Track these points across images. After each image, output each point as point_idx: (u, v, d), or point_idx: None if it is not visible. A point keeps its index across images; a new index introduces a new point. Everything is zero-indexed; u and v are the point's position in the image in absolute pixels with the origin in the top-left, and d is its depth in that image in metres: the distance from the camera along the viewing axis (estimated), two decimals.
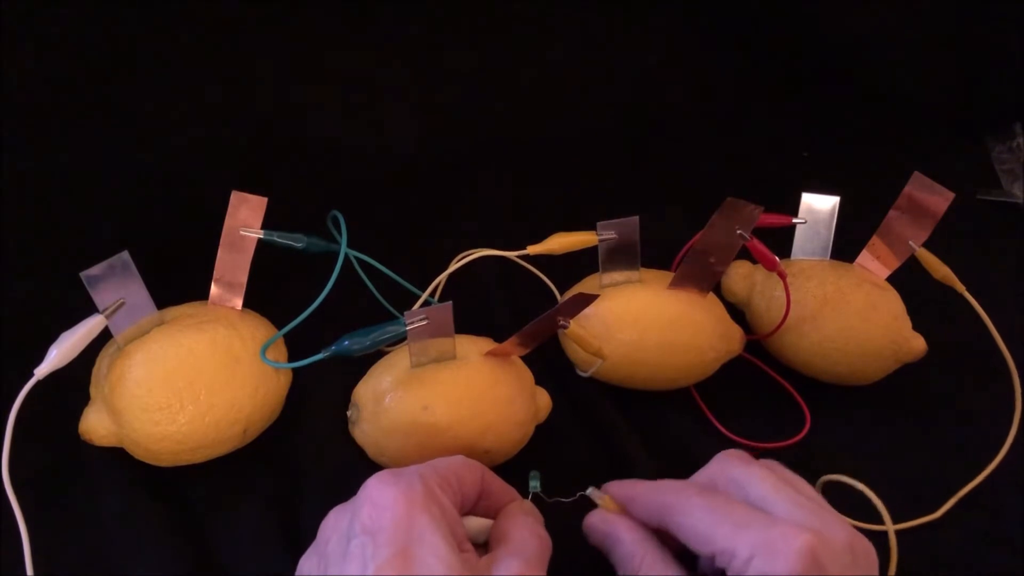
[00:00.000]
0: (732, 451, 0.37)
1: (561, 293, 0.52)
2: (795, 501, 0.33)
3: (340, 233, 0.47)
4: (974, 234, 0.60)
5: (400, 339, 0.42)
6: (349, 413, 0.44)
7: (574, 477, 0.39)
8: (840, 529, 0.32)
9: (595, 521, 0.37)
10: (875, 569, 0.32)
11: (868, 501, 0.39)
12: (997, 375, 0.46)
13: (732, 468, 0.35)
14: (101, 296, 0.40)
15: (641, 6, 0.61)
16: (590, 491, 0.38)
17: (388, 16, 0.56)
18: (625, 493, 0.37)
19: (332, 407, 0.45)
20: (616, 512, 0.37)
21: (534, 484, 0.39)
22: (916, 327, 0.48)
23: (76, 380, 0.43)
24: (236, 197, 0.43)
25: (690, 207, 0.48)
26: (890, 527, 0.40)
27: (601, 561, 0.37)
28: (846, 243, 0.50)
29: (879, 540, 0.40)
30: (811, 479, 0.36)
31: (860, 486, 0.40)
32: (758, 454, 0.37)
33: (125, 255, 0.40)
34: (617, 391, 0.48)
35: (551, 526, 0.37)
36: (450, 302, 0.40)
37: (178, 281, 0.45)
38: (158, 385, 0.40)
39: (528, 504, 0.38)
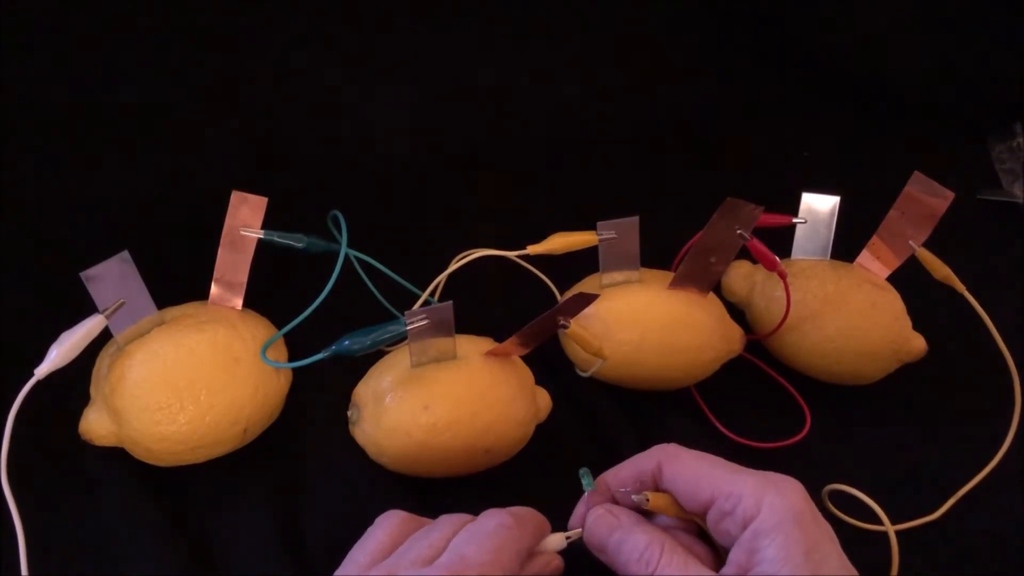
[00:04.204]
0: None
1: (561, 293, 0.52)
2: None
3: (340, 233, 0.47)
4: (974, 234, 0.60)
5: (400, 339, 0.42)
6: (349, 413, 0.44)
7: (574, 477, 0.39)
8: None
9: (602, 514, 0.36)
10: None
11: (860, 504, 0.39)
12: (997, 375, 0.46)
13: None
14: (101, 296, 0.40)
15: (641, 6, 0.61)
16: (634, 496, 0.36)
17: (388, 16, 0.56)
18: (610, 475, 0.38)
19: (332, 407, 0.45)
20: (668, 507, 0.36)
21: (587, 482, 0.38)
22: (916, 327, 0.48)
23: (76, 380, 0.43)
24: (236, 197, 0.43)
25: (690, 207, 0.48)
26: (890, 529, 0.40)
27: None
28: (846, 243, 0.50)
29: (879, 541, 0.41)
30: (811, 478, 0.37)
31: (860, 495, 0.40)
32: None
33: (125, 255, 0.40)
34: (617, 391, 0.48)
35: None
36: (450, 302, 0.40)
37: (178, 281, 0.45)
38: (158, 385, 0.40)
39: None
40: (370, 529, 0.36)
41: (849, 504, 0.42)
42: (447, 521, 0.35)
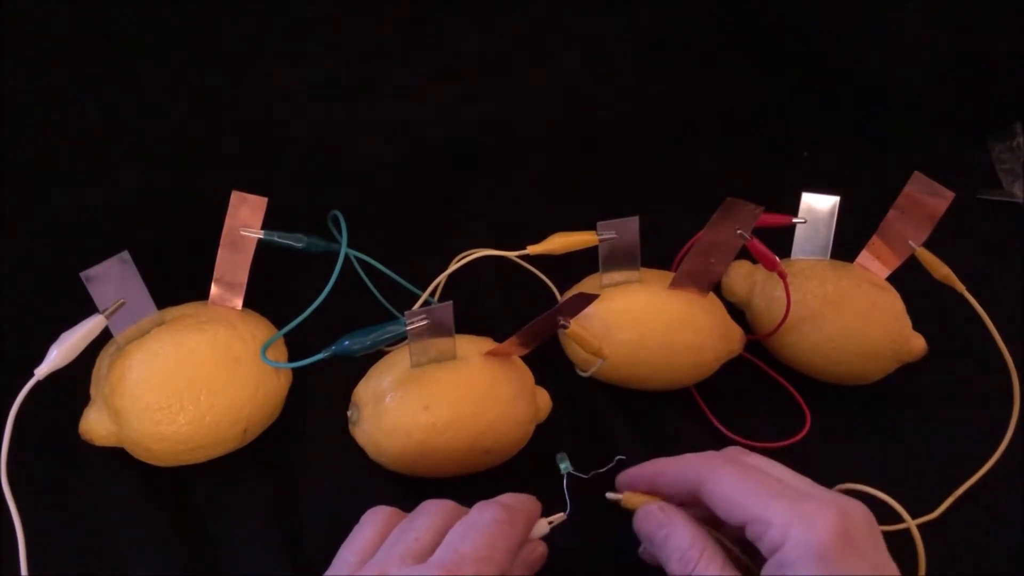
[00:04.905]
0: (733, 447, 0.38)
1: (561, 293, 0.52)
2: (808, 482, 0.35)
3: (340, 233, 0.47)
4: (974, 234, 0.60)
5: (400, 339, 0.42)
6: (349, 413, 0.44)
7: (574, 477, 0.39)
8: (856, 504, 0.33)
9: (652, 510, 0.37)
10: (881, 538, 0.33)
11: (876, 501, 0.39)
12: (997, 375, 0.46)
13: (743, 455, 0.37)
14: (101, 296, 0.40)
15: (641, 7, 0.61)
16: (608, 495, 0.39)
17: (388, 17, 0.56)
18: (652, 468, 0.38)
19: (332, 407, 0.45)
20: (651, 503, 0.37)
21: (565, 465, 0.39)
22: (916, 327, 0.48)
23: (76, 380, 0.43)
24: (236, 197, 0.43)
25: (690, 207, 0.48)
26: (912, 525, 0.40)
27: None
28: (846, 243, 0.50)
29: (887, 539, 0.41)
30: (811, 479, 0.37)
31: (876, 492, 0.40)
32: None
33: (125, 255, 0.40)
34: (617, 391, 0.48)
35: (583, 506, 0.38)
36: (450, 302, 0.40)
37: (178, 281, 0.45)
38: (158, 385, 0.40)
39: None
40: (357, 527, 0.36)
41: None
42: (431, 510, 0.35)
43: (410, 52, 0.58)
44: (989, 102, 0.68)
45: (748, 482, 0.34)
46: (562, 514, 0.38)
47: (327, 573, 0.34)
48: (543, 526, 0.37)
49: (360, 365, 0.44)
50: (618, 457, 0.40)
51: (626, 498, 0.38)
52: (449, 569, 0.31)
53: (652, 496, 0.38)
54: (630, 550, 0.41)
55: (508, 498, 0.36)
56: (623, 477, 0.40)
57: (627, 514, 0.42)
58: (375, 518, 0.36)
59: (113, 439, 0.41)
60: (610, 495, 0.39)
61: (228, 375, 0.41)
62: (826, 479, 0.42)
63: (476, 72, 0.60)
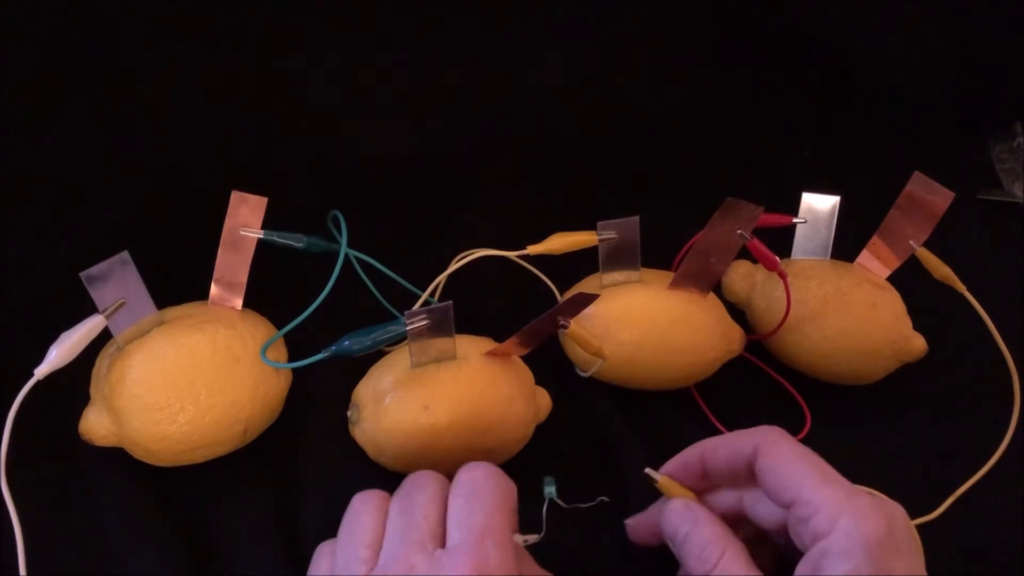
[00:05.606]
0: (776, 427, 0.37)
1: (561, 293, 0.52)
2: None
3: (340, 233, 0.47)
4: (974, 234, 0.60)
5: (400, 339, 0.42)
6: (349, 413, 0.44)
7: (574, 477, 0.39)
8: (898, 507, 0.33)
9: (677, 507, 0.36)
10: (917, 543, 0.33)
11: None
12: (997, 375, 0.46)
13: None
14: (101, 296, 0.40)
15: (640, 5, 0.61)
16: (648, 470, 0.38)
17: (388, 16, 0.56)
18: (700, 448, 0.37)
19: (332, 407, 0.45)
20: (681, 495, 0.37)
21: (550, 490, 0.38)
22: (916, 327, 0.48)
23: (76, 380, 0.43)
24: (236, 197, 0.43)
25: (690, 207, 0.48)
26: (910, 524, 0.40)
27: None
28: (846, 243, 0.50)
29: None
30: None
31: (875, 492, 0.40)
32: None
33: (125, 255, 0.40)
34: (617, 391, 0.48)
35: (568, 532, 0.37)
36: (450, 302, 0.40)
37: (178, 281, 0.45)
38: (158, 385, 0.40)
39: None
40: (352, 516, 0.34)
41: None
42: (423, 482, 0.34)
43: (411, 52, 0.58)
44: (989, 102, 0.68)
45: (804, 462, 0.33)
46: (536, 535, 0.36)
47: (339, 572, 0.33)
48: (517, 540, 0.36)
49: (360, 365, 0.44)
50: (600, 498, 0.40)
51: (662, 482, 0.38)
52: (475, 548, 0.31)
53: (686, 490, 0.37)
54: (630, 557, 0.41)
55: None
56: (670, 466, 0.38)
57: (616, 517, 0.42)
58: (370, 503, 0.34)
59: (113, 439, 0.41)
60: (649, 471, 0.38)
61: (228, 375, 0.41)
62: None
63: (476, 72, 0.60)
